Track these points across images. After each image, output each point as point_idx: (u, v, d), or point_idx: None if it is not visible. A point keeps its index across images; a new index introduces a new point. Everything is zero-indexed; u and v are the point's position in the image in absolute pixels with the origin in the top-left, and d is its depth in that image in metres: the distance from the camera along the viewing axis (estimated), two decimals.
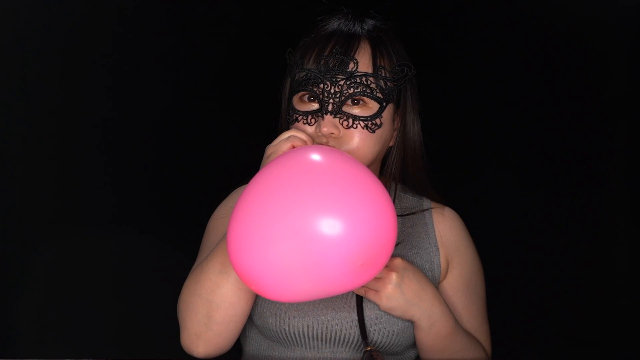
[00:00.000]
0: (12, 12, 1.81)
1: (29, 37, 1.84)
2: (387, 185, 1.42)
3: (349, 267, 1.11)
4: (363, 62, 1.32)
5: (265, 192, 1.12)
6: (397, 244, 1.40)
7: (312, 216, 1.09)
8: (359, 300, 1.33)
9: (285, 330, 1.33)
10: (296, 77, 1.36)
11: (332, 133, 1.30)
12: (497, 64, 1.94)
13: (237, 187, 1.48)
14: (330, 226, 1.09)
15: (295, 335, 1.33)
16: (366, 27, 1.37)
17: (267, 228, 1.10)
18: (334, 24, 1.38)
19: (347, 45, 1.33)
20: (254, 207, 1.12)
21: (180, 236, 1.85)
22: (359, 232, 1.10)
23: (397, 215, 1.42)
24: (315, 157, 1.15)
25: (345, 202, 1.10)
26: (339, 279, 1.12)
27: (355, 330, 1.33)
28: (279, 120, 1.46)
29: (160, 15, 1.92)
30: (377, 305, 1.32)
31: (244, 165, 1.41)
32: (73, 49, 1.87)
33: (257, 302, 1.35)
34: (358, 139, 1.31)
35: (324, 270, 1.10)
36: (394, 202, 1.39)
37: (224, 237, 1.28)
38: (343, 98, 1.31)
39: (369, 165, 1.34)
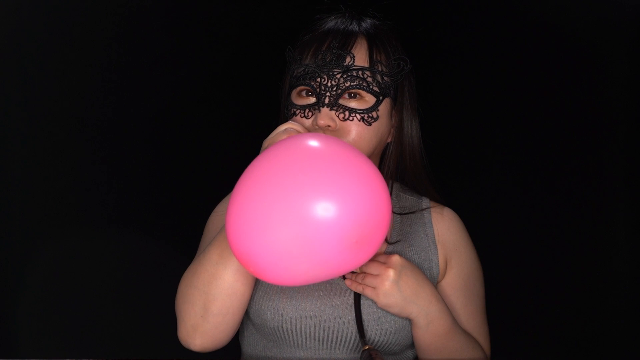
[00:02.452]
0: (11, 11, 1.82)
1: (28, 37, 1.84)
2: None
3: (344, 245, 1.12)
4: (360, 56, 1.34)
5: (261, 176, 1.15)
6: (395, 243, 1.40)
7: (305, 196, 1.11)
8: (357, 297, 1.32)
9: (282, 327, 1.33)
10: (294, 73, 1.37)
11: (329, 126, 1.31)
12: (497, 64, 1.94)
13: None
14: (322, 204, 1.11)
15: (292, 333, 1.33)
16: (364, 25, 1.39)
17: (263, 210, 1.12)
18: (331, 22, 1.39)
19: (344, 41, 1.34)
20: (251, 191, 1.14)
21: (180, 236, 1.85)
22: (351, 209, 1.11)
23: (396, 214, 1.43)
24: (310, 141, 1.17)
25: (337, 181, 1.12)
26: (335, 258, 1.13)
27: (352, 329, 1.33)
28: (278, 119, 1.47)
29: (160, 15, 1.93)
30: (375, 303, 1.32)
31: (243, 165, 1.40)
32: (72, 49, 1.87)
33: (255, 299, 1.35)
34: (355, 131, 1.32)
35: (320, 249, 1.12)
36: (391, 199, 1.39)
37: (221, 230, 1.29)
38: (340, 91, 1.32)
39: None
